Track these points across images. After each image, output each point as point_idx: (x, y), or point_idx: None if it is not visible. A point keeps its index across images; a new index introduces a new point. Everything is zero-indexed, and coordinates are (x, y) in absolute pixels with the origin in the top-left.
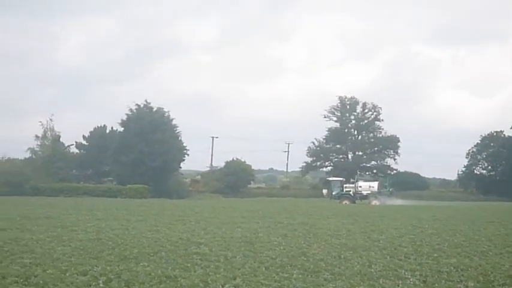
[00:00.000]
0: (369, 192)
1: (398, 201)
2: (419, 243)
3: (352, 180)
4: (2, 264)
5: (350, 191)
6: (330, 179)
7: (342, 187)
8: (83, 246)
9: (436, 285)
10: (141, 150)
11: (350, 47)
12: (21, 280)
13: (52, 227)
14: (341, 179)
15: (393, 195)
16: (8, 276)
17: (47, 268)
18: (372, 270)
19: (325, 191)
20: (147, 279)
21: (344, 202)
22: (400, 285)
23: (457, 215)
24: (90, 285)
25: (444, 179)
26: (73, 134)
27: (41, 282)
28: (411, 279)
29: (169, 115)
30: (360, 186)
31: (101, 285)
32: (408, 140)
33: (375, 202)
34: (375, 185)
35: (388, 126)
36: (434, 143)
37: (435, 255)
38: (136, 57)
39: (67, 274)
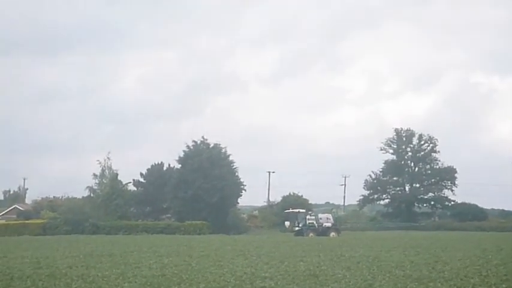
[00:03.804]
0: (328, 224)
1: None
2: (485, 273)
3: (310, 212)
4: None
5: (313, 222)
6: (295, 210)
7: (306, 219)
8: (149, 282)
9: None
10: (200, 186)
11: (409, 77)
12: None
13: (116, 264)
14: (304, 210)
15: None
16: None
17: None
18: None
19: (287, 223)
20: None
21: (310, 235)
22: None
23: None
24: None
25: (503, 210)
26: (130, 171)
27: None
28: None
29: (226, 151)
30: (321, 218)
31: None
32: (466, 170)
33: (333, 234)
34: (330, 216)
35: (445, 157)
36: (492, 173)
37: (504, 286)
38: (195, 92)
39: None
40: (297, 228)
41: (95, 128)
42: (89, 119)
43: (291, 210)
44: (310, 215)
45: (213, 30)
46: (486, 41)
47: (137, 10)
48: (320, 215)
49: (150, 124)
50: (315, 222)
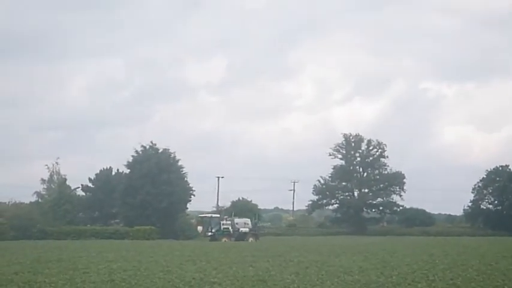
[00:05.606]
0: (245, 229)
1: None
2: (432, 278)
3: (225, 217)
4: None
5: (228, 228)
6: (209, 215)
7: (220, 224)
8: (98, 287)
9: None
10: (148, 192)
11: (357, 84)
12: None
13: (64, 270)
14: (218, 215)
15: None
16: None
17: None
18: None
19: (200, 228)
20: None
21: (223, 240)
22: None
23: (466, 250)
24: None
25: (450, 215)
26: (79, 176)
27: None
28: None
29: (175, 156)
30: (237, 223)
31: None
32: (414, 175)
33: (251, 239)
34: (248, 221)
35: (394, 163)
36: (439, 178)
37: None
38: (143, 98)
39: None
40: (209, 234)
41: (42, 135)
42: (36, 126)
43: (204, 215)
44: (226, 220)
45: (159, 38)
46: (434, 48)
47: (82, 18)
48: (237, 220)
49: (99, 131)
50: (230, 228)
